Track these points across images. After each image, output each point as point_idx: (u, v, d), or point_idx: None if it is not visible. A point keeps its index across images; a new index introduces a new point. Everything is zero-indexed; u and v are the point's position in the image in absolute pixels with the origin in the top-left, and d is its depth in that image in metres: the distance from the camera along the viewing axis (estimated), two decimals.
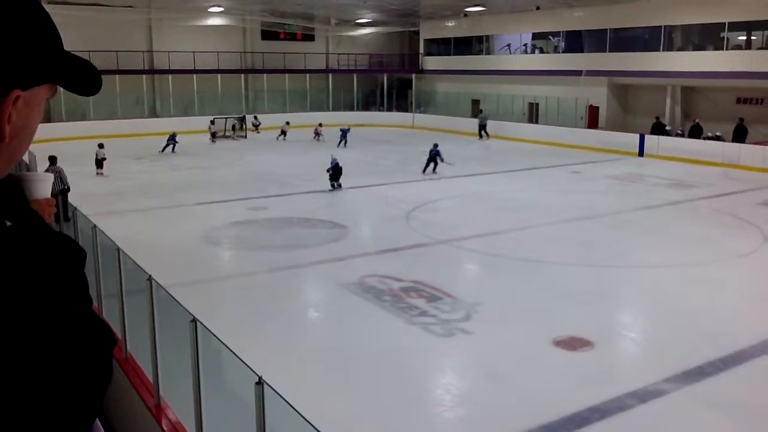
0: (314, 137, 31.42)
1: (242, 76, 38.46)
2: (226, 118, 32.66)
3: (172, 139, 27.64)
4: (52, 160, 15.50)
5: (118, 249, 7.40)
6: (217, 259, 13.00)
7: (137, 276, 6.83)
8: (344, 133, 29.39)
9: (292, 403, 4.03)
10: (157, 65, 36.03)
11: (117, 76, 34.19)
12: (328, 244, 13.59)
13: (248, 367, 4.51)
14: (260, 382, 4.28)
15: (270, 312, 9.81)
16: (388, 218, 15.91)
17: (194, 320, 5.32)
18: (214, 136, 25.05)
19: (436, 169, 22.22)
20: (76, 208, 10.22)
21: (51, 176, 1.85)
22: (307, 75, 39.68)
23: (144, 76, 35.74)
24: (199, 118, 33.91)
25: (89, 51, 32.84)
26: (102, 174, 21.15)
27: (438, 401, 7.38)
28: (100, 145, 21.82)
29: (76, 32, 33.26)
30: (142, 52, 35.51)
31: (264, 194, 18.46)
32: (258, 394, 4.28)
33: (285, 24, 39.48)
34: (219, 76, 37.00)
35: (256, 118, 34.52)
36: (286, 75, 38.97)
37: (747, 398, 7.31)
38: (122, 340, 7.56)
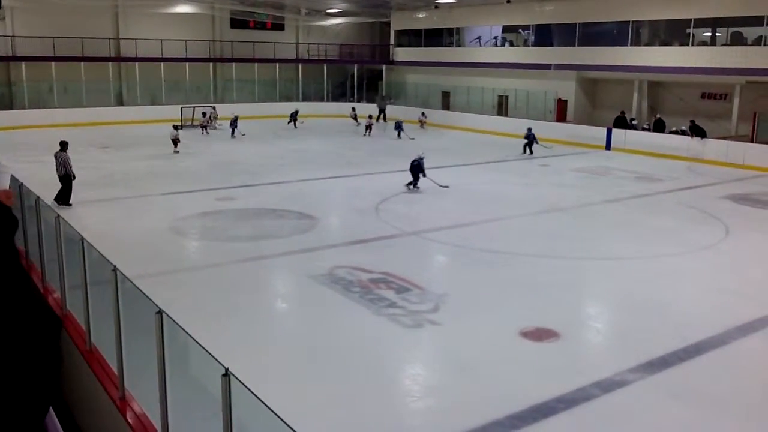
0: (290, 122, 32.12)
1: (211, 64, 38.01)
2: (194, 107, 32.23)
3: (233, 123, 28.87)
4: (63, 145, 15.60)
5: (82, 239, 7.27)
6: (183, 250, 12.86)
7: (102, 267, 6.72)
8: (398, 125, 30.20)
9: (259, 395, 4.01)
10: (123, 53, 35.42)
11: (82, 63, 33.60)
12: (296, 235, 13.53)
13: (215, 358, 4.47)
14: (227, 374, 4.24)
15: (237, 303, 9.73)
16: (358, 209, 15.89)
17: (159, 312, 5.26)
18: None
19: (533, 151, 24.77)
20: (38, 198, 10.00)
21: (8, 173, 1.83)
22: (277, 65, 39.35)
23: (110, 63, 35.13)
24: (167, 107, 33.45)
25: (54, 37, 32.27)
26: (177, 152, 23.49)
27: (406, 392, 7.41)
28: (175, 127, 24.65)
29: (41, 18, 32.62)
30: (109, 39, 34.88)
31: (231, 185, 18.30)
32: (224, 386, 4.24)
33: (255, 13, 39.08)
34: (187, 64, 36.52)
35: (214, 109, 33.68)
36: (256, 64, 38.60)
37: (707, 388, 7.47)
38: (86, 332, 7.45)
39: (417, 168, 18.05)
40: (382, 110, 36.33)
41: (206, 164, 22.02)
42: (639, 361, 7.97)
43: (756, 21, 24.64)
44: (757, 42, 24.99)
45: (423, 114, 33.70)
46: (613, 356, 8.34)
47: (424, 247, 13.07)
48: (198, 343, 4.81)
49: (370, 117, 31.45)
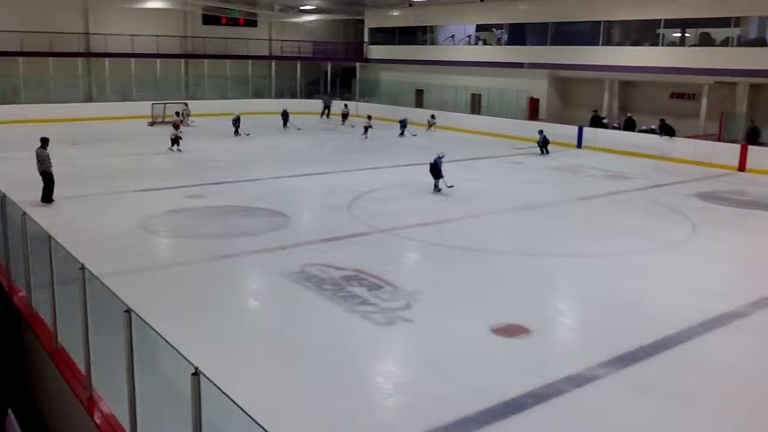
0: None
1: (182, 61, 37.64)
2: (165, 103, 31.87)
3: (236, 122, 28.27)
4: (44, 142, 15.35)
5: (49, 237, 7.17)
6: (153, 248, 12.71)
7: (69, 265, 6.63)
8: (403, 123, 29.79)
9: (230, 394, 3.98)
10: (93, 48, 34.91)
11: (51, 59, 33.05)
12: (268, 232, 13.46)
13: (184, 357, 4.44)
14: (196, 373, 4.21)
15: (208, 301, 9.65)
16: (330, 207, 15.85)
17: (128, 310, 5.21)
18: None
19: (548, 150, 25.08)
20: (5, 195, 9.83)
21: None
22: (250, 61, 39.11)
23: (79, 59, 34.61)
24: (137, 104, 33.06)
25: (22, 32, 31.69)
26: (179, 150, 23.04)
27: (378, 389, 7.41)
28: (175, 126, 23.82)
29: (8, 13, 32.02)
30: (78, 34, 34.35)
31: (203, 182, 18.15)
32: (194, 386, 4.22)
33: (227, 9, 38.77)
34: (158, 60, 36.12)
35: (186, 106, 33.15)
36: (228, 61, 38.32)
37: (674, 382, 7.58)
38: (53, 331, 7.34)
39: (435, 168, 17.66)
40: (326, 107, 36.30)
41: (178, 161, 21.80)
42: (608, 356, 8.06)
43: (724, 22, 25.09)
44: (725, 43, 25.43)
45: (432, 116, 32.54)
46: (583, 352, 8.42)
47: (396, 245, 13.08)
48: (167, 341, 4.77)
49: (369, 118, 29.80)
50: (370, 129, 28.71)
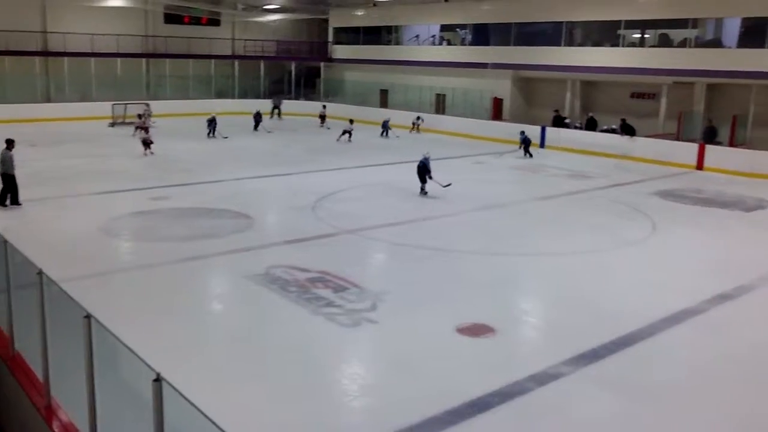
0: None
1: (143, 60, 37.08)
2: (125, 104, 31.35)
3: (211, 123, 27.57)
4: (9, 143, 15.12)
5: (5, 241, 7.00)
6: (115, 251, 12.49)
7: (27, 270, 6.47)
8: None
9: (193, 400, 3.93)
10: (51, 47, 34.19)
11: (7, 57, 32.29)
12: (232, 234, 13.33)
13: (145, 363, 4.37)
14: (158, 379, 4.15)
15: (171, 305, 9.53)
16: (295, 208, 15.77)
17: (88, 316, 5.11)
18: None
19: (531, 153, 24.68)
20: None
21: None
22: (212, 61, 38.71)
23: (37, 58, 33.87)
24: (97, 104, 32.47)
25: None
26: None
27: (344, 391, 7.39)
28: (146, 129, 23.12)
29: None
30: (36, 32, 33.61)
31: (166, 183, 17.91)
32: (156, 392, 4.15)
33: (189, 7, 38.30)
34: (119, 60, 35.53)
35: (148, 106, 32.50)
36: (190, 60, 37.86)
37: (637, 377, 7.72)
38: (9, 338, 7.17)
39: (423, 169, 17.15)
40: (276, 107, 35.91)
41: (140, 162, 21.47)
42: (572, 354, 8.17)
43: (682, 24, 25.63)
44: (683, 44, 25.97)
45: (418, 117, 31.68)
46: (547, 350, 8.51)
47: (362, 246, 13.07)
48: (128, 347, 4.68)
49: (351, 122, 28.55)
50: (351, 132, 27.82)
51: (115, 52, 35.03)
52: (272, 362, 7.88)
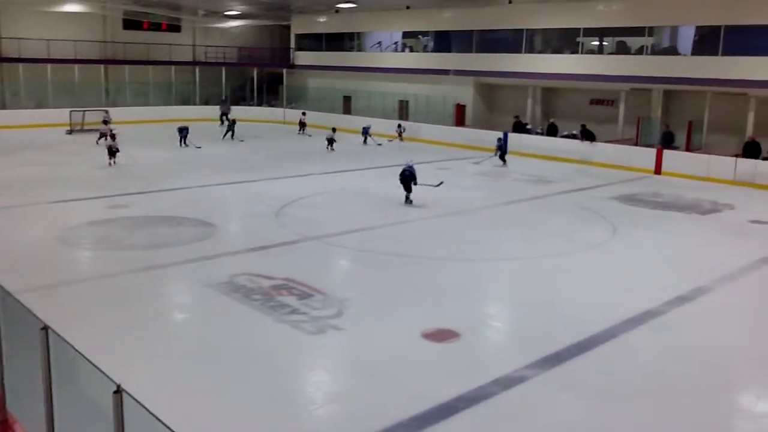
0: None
1: (102, 66, 36.47)
2: (84, 111, 30.79)
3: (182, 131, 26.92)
4: None
5: None
6: (73, 261, 12.23)
7: None
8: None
9: (155, 411, 3.86)
10: (5, 53, 33.40)
11: None
12: (194, 242, 13.15)
13: (105, 375, 4.28)
14: (118, 391, 4.06)
15: (132, 315, 9.35)
16: (258, 215, 15.65)
17: (45, 327, 4.98)
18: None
19: (506, 159, 24.37)
20: None
21: None
22: (173, 67, 38.24)
23: None
24: (54, 111, 31.83)
25: None
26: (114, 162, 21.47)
27: (309, 399, 7.34)
28: (113, 137, 22.10)
29: None
30: None
31: (125, 191, 17.61)
32: (116, 404, 4.06)
33: (149, 13, 37.80)
34: (76, 66, 34.87)
35: (107, 113, 31.91)
36: (150, 67, 37.37)
37: (599, 379, 7.82)
38: None
39: (410, 177, 16.72)
40: (224, 114, 34.37)
41: (98, 170, 21.09)
42: (536, 357, 8.24)
43: (638, 32, 26.16)
44: (640, 51, 26.51)
45: (399, 126, 31.19)
46: (511, 353, 8.58)
47: (326, 252, 13.02)
48: (87, 359, 4.59)
49: (334, 130, 27.60)
50: (334, 142, 27.10)
51: (73, 58, 34.37)
52: (236, 371, 7.78)
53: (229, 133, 29.77)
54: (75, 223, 14.24)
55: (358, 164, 23.73)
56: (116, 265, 11.59)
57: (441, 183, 17.26)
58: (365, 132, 29.79)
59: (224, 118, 34.22)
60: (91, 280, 11.00)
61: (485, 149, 27.42)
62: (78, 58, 34.61)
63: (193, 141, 26.66)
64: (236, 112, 36.45)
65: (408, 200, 17.03)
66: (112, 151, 21.80)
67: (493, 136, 28.12)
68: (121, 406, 4.05)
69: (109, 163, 21.62)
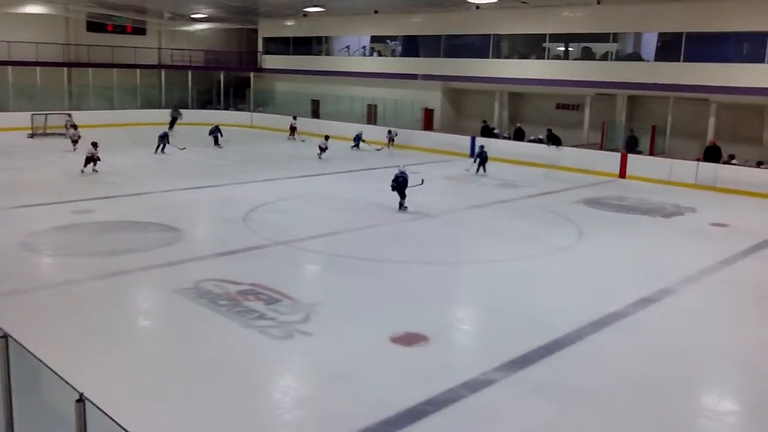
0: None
1: (65, 69, 35.84)
2: (46, 114, 30.22)
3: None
4: None
5: None
6: (35, 268, 11.98)
7: None
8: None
9: (118, 420, 3.80)
10: None
11: None
12: (160, 248, 12.98)
13: (67, 383, 4.20)
14: (81, 399, 3.99)
15: (96, 322, 9.19)
16: (225, 220, 15.52)
17: (4, 336, 4.88)
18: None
19: (486, 168, 23.49)
20: None
21: None
22: (138, 70, 37.75)
23: None
24: (15, 115, 31.19)
25: None
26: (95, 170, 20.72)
27: (277, 404, 7.28)
28: (94, 144, 21.09)
29: None
30: None
31: (90, 196, 17.31)
32: (79, 412, 3.99)
33: (113, 15, 37.24)
34: (38, 68, 34.23)
35: (70, 116, 31.25)
36: (115, 70, 36.83)
37: (564, 381, 7.89)
38: None
39: (403, 183, 16.50)
40: (174, 119, 33.83)
41: (62, 175, 20.71)
42: (503, 360, 8.29)
43: (603, 38, 26.59)
44: (605, 57, 26.92)
45: (390, 131, 29.88)
46: (479, 357, 8.62)
47: (294, 257, 12.96)
48: (48, 367, 4.50)
49: (327, 138, 26.75)
50: (326, 150, 26.25)
51: (34, 60, 33.73)
52: (202, 378, 7.68)
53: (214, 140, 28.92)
54: (38, 229, 13.96)
55: (322, 169, 23.68)
56: (80, 271, 11.39)
57: (422, 181, 17.35)
58: (358, 138, 29.09)
59: (173, 123, 33.45)
60: (55, 286, 10.79)
61: (454, 153, 27.64)
62: (40, 60, 33.97)
63: (176, 144, 25.92)
64: (203, 116, 36.24)
65: (402, 207, 16.73)
66: (93, 159, 20.86)
67: (460, 141, 28.34)
68: (84, 414, 3.99)
69: (83, 171, 20.72)
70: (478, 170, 23.44)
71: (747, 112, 23.84)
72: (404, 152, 28.69)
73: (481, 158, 23.59)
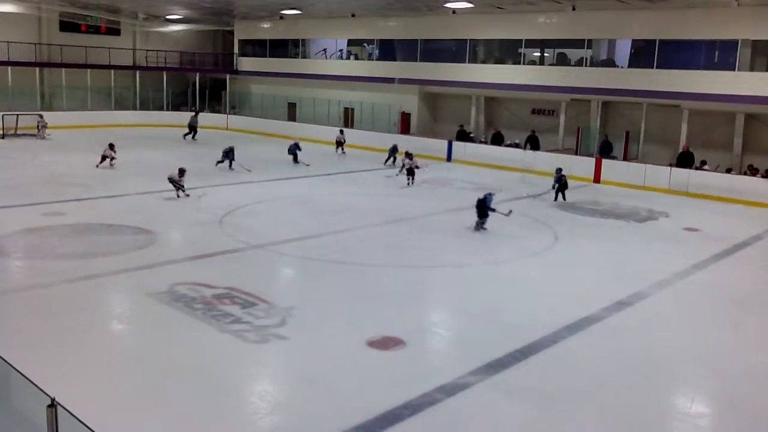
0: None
1: (37, 69, 35.32)
2: (17, 114, 29.75)
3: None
4: None
5: None
6: (4, 271, 11.74)
7: None
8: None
9: (90, 426, 3.74)
10: None
11: None
12: (133, 251, 12.83)
13: (38, 388, 4.13)
14: (53, 405, 3.93)
15: (68, 327, 9.04)
16: (200, 223, 15.38)
17: None
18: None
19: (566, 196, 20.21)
20: None
21: None
22: (112, 71, 37.31)
23: None
24: None
25: None
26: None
27: (252, 409, 7.22)
28: (111, 146, 22.29)
29: None
30: None
31: (61, 198, 17.06)
32: (50, 418, 3.93)
33: (87, 15, 36.79)
34: (9, 68, 33.68)
35: (42, 117, 30.72)
36: (88, 70, 36.36)
37: (539, 385, 7.95)
38: None
39: (483, 204, 15.80)
40: (192, 128, 31.79)
41: (32, 176, 20.38)
42: (479, 364, 8.32)
43: (578, 44, 26.85)
44: (580, 63, 27.20)
45: (408, 153, 25.04)
46: (455, 360, 8.63)
47: (270, 260, 12.89)
48: (19, 371, 4.42)
49: (341, 131, 27.04)
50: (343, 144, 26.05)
51: (6, 60, 33.19)
52: (177, 383, 7.60)
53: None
54: (8, 231, 13.72)
55: (298, 172, 23.59)
56: (51, 274, 11.21)
57: (510, 212, 16.15)
58: (393, 151, 26.19)
59: (192, 131, 31.55)
60: (25, 290, 10.61)
61: (430, 157, 27.63)
62: (11, 60, 33.44)
63: (242, 164, 23.44)
64: (176, 117, 35.86)
65: (482, 227, 15.76)
66: (110, 158, 22.30)
67: (437, 144, 28.30)
68: (56, 420, 3.93)
69: (97, 166, 22.07)
70: (556, 197, 20.09)
71: (718, 119, 24.25)
72: (356, 152, 28.77)
73: (560, 184, 20.10)
